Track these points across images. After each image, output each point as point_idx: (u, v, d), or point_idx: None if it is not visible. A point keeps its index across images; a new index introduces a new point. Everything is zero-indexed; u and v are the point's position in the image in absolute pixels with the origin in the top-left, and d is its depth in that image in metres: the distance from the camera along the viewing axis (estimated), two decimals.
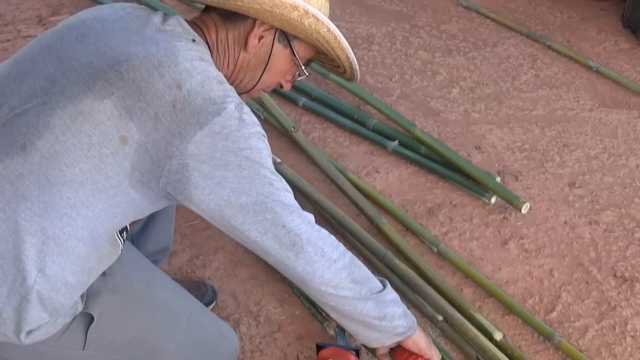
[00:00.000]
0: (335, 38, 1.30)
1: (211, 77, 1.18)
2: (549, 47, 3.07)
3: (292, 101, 2.63)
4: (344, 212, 2.09)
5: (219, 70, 1.26)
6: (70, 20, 1.28)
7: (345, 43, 1.33)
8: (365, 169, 2.37)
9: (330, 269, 1.26)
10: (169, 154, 1.14)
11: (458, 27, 3.22)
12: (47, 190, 1.13)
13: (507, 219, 2.19)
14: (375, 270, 2.00)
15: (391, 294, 1.35)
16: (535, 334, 1.85)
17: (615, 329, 1.88)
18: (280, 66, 1.33)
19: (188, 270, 2.00)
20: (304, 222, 1.25)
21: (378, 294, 1.32)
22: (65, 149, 1.13)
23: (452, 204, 2.24)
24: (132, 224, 1.60)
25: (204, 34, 1.28)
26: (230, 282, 1.96)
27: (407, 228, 2.13)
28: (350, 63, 1.41)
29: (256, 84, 1.34)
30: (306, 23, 1.24)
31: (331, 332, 1.82)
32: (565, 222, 2.20)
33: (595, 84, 2.87)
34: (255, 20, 1.26)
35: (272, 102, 2.48)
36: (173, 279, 1.87)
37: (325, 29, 1.27)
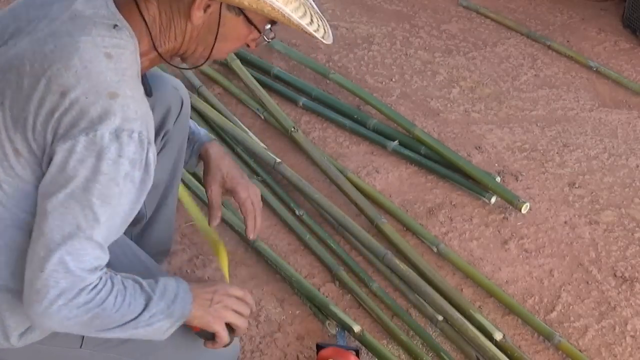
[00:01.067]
0: (284, 16, 1.16)
1: (101, 89, 1.08)
2: (549, 47, 3.07)
3: (292, 101, 2.62)
4: (344, 212, 2.09)
5: (163, 44, 1.20)
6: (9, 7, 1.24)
7: (295, 20, 1.17)
8: (365, 169, 2.37)
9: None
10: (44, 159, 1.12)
11: (458, 27, 3.22)
12: None
13: (507, 219, 2.19)
14: (375, 270, 2.01)
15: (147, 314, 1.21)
16: (535, 334, 1.85)
17: (615, 329, 1.88)
18: (237, 33, 1.23)
19: (188, 270, 2.00)
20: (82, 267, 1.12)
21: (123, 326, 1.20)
22: None
23: (452, 204, 2.24)
24: (131, 226, 1.60)
25: (140, 11, 1.18)
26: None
27: (407, 228, 2.13)
28: (312, 33, 1.24)
29: (211, 52, 1.24)
30: (246, 2, 1.13)
31: (333, 330, 1.82)
32: (565, 222, 2.20)
33: (595, 84, 2.87)
34: None
35: (272, 102, 2.48)
36: None
37: (269, 8, 1.14)
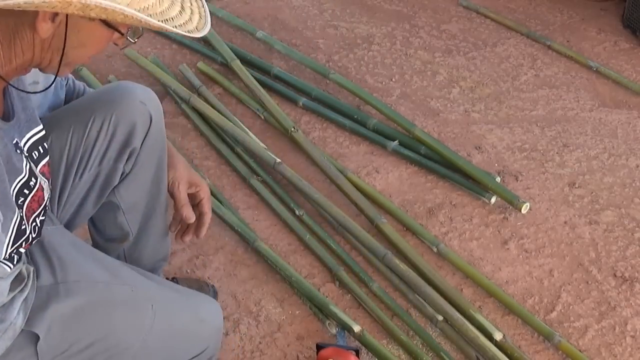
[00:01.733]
0: (141, 21, 1.03)
1: None
2: (549, 47, 3.07)
3: (292, 101, 2.62)
4: (344, 212, 2.09)
5: (8, 62, 1.10)
6: None
7: (154, 23, 1.04)
8: (365, 169, 2.37)
9: None
10: None
11: (458, 27, 3.22)
12: None
13: (507, 219, 2.19)
14: (375, 270, 2.01)
15: None
16: (535, 334, 1.85)
17: (615, 329, 1.88)
18: (96, 37, 1.12)
19: (188, 270, 2.00)
20: None
21: None
22: None
23: (452, 204, 2.24)
24: (118, 243, 1.57)
25: None
26: (230, 282, 1.96)
27: (407, 228, 2.13)
28: (172, 30, 1.09)
29: (63, 61, 1.13)
30: (93, 14, 1.01)
31: (333, 330, 1.82)
32: (565, 222, 2.20)
33: (595, 84, 2.87)
34: None
35: (272, 102, 2.48)
36: (174, 278, 1.88)
37: (122, 16, 1.01)
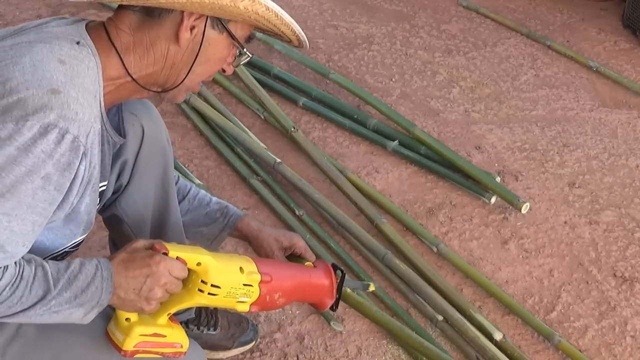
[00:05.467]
0: (277, 15, 1.17)
1: (44, 84, 1.04)
2: (549, 47, 3.07)
3: (292, 101, 2.62)
4: (344, 212, 2.09)
5: (139, 70, 1.17)
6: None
7: (288, 18, 1.20)
8: (365, 169, 2.37)
9: None
10: None
11: (458, 27, 3.22)
12: None
13: (507, 219, 2.19)
14: (375, 270, 2.01)
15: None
16: (535, 334, 1.85)
17: (615, 329, 1.88)
18: (219, 53, 1.21)
19: None
20: None
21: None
22: None
23: (452, 204, 2.24)
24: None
25: (109, 36, 1.16)
26: None
27: (407, 228, 2.13)
28: (297, 35, 1.27)
29: (188, 77, 1.21)
30: (241, 6, 1.11)
31: (339, 328, 1.82)
32: (565, 222, 2.20)
33: (595, 84, 2.87)
34: (182, 12, 1.14)
35: (272, 102, 2.48)
36: (214, 308, 1.77)
37: (264, 8, 1.14)
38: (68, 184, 1.09)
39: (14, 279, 1.08)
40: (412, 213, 2.20)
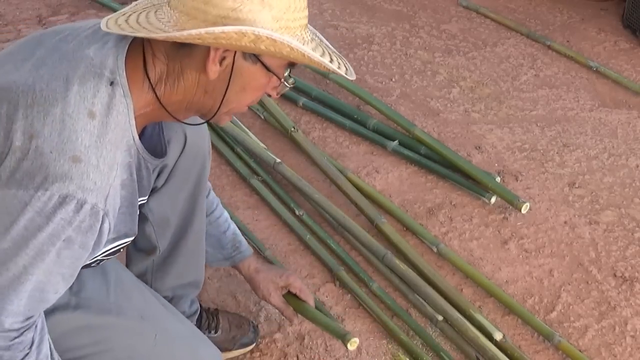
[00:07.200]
0: (304, 56, 1.10)
1: (67, 150, 1.06)
2: (549, 47, 3.07)
3: (292, 101, 2.62)
4: (344, 212, 2.09)
5: (169, 98, 1.16)
6: (36, 33, 1.23)
7: (316, 58, 1.11)
8: (365, 169, 2.37)
9: None
10: None
11: (458, 27, 3.22)
12: None
13: (507, 219, 2.19)
14: (375, 270, 2.01)
15: None
16: (535, 334, 1.85)
17: (615, 329, 1.88)
18: (255, 82, 1.17)
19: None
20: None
21: None
22: None
23: (452, 204, 2.24)
24: (146, 255, 1.58)
25: (145, 68, 1.15)
26: (230, 282, 1.96)
27: (407, 228, 2.13)
28: (335, 69, 1.17)
29: (223, 105, 1.19)
30: (262, 47, 1.08)
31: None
32: (565, 222, 2.20)
33: (595, 84, 2.87)
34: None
35: (272, 102, 2.48)
36: (216, 309, 1.82)
37: (288, 49, 1.08)
38: (92, 243, 1.12)
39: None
40: (412, 213, 2.20)
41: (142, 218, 1.51)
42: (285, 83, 1.19)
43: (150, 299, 1.48)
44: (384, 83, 2.81)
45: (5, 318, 1.09)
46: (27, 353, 1.14)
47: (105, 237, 1.14)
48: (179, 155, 1.45)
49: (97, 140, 1.08)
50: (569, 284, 2.00)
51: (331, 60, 1.16)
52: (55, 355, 1.21)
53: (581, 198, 2.29)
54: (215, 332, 1.74)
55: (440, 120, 2.62)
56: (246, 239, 1.74)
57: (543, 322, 1.86)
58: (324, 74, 2.70)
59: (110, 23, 1.12)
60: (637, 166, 2.44)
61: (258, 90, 1.20)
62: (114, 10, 3.02)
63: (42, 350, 1.17)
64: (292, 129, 2.37)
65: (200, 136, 1.47)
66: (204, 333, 1.72)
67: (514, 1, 3.46)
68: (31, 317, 1.13)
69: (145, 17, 1.12)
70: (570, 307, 1.94)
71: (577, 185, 2.34)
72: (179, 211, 1.54)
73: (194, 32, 1.05)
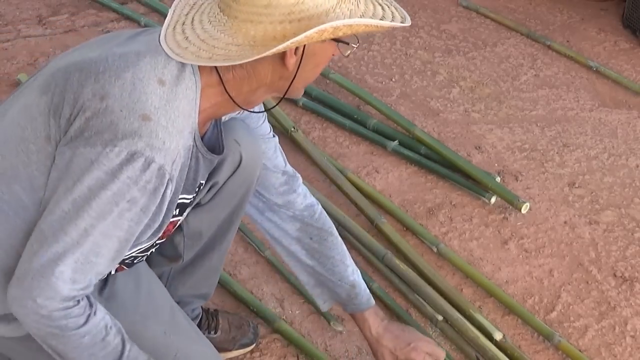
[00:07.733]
0: (378, 26, 1.15)
1: (137, 108, 1.07)
2: (549, 47, 3.07)
3: (292, 101, 2.62)
4: (344, 212, 2.09)
5: (239, 94, 1.18)
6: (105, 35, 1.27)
7: (387, 24, 1.15)
8: (365, 169, 2.37)
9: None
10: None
11: (458, 27, 3.22)
12: None
13: (507, 219, 2.19)
14: (375, 270, 2.01)
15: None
16: (535, 334, 1.85)
17: (615, 329, 1.88)
18: (327, 55, 1.22)
19: None
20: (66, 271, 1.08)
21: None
22: (4, 140, 1.13)
23: (452, 204, 2.24)
24: (169, 261, 1.56)
25: (217, 70, 1.16)
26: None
27: (407, 228, 2.13)
28: (395, 25, 1.20)
29: (296, 81, 1.21)
30: (340, 33, 1.12)
31: (339, 327, 1.82)
32: (565, 222, 2.20)
33: (595, 84, 2.87)
34: None
35: (272, 103, 2.48)
36: (215, 310, 1.80)
37: (363, 27, 1.13)
38: (154, 207, 1.12)
39: (100, 333, 1.13)
40: (412, 213, 2.20)
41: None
42: (353, 45, 1.20)
43: (177, 316, 1.45)
44: (384, 83, 2.81)
45: (63, 284, 1.07)
46: (89, 314, 1.12)
47: (164, 207, 1.13)
48: (230, 175, 1.44)
49: (166, 104, 1.09)
50: (569, 284, 2.00)
51: (384, 12, 1.17)
52: (118, 323, 1.19)
53: (581, 198, 2.29)
54: (215, 333, 1.74)
55: (440, 120, 2.62)
56: (246, 239, 1.73)
57: (543, 322, 1.86)
58: (325, 74, 2.70)
59: (170, 41, 1.12)
60: (637, 166, 2.44)
61: (328, 61, 1.24)
62: (114, 10, 3.01)
63: (104, 316, 1.15)
64: (292, 129, 2.37)
65: (254, 160, 1.46)
66: (204, 333, 1.72)
67: (514, 1, 3.46)
68: (87, 285, 1.10)
69: (201, 29, 1.12)
70: (570, 307, 1.94)
71: (577, 185, 2.34)
72: (214, 229, 1.53)
73: (280, 47, 1.07)
